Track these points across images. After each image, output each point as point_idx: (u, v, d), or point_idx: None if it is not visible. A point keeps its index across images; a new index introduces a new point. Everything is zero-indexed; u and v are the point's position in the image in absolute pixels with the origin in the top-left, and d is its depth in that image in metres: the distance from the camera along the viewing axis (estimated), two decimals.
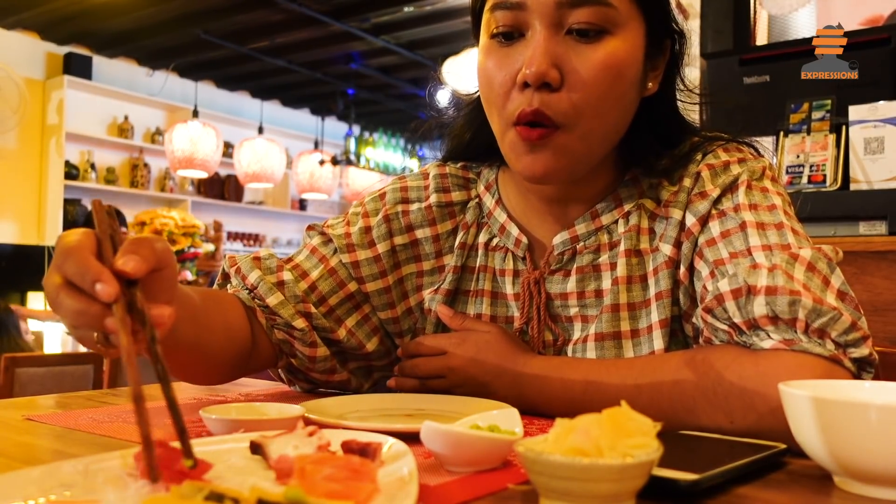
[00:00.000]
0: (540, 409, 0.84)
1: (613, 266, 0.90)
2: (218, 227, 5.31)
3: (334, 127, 8.00)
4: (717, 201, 0.86)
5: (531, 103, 0.80)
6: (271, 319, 0.93)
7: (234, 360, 0.91)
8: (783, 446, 0.64)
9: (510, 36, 0.83)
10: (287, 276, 0.94)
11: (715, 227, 0.84)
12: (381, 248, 0.97)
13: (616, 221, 0.91)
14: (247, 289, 0.94)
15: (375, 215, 0.99)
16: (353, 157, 7.38)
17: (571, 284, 0.91)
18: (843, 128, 1.93)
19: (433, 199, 0.99)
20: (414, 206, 0.99)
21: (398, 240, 0.98)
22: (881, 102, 1.88)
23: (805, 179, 1.96)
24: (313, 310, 0.93)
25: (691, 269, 0.86)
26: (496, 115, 0.86)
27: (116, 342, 0.56)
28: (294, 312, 0.92)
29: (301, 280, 0.95)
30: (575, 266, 0.92)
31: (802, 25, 2.55)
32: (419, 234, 0.99)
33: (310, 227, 1.03)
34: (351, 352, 0.97)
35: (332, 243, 0.98)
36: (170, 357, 0.87)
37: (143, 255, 0.58)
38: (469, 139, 1.02)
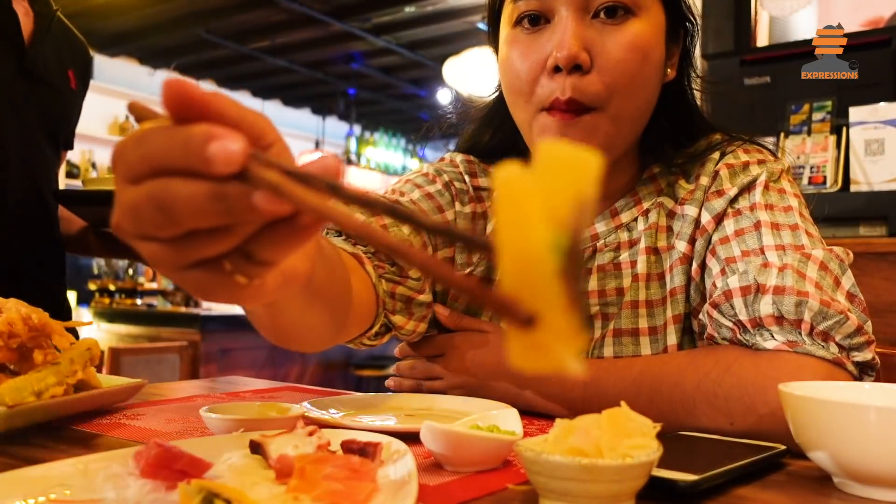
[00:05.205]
0: (539, 409, 0.84)
1: (633, 264, 0.90)
2: None
3: (335, 127, 8.00)
4: (734, 200, 0.86)
5: (564, 91, 0.80)
6: (379, 267, 0.84)
7: (353, 315, 0.73)
8: (783, 447, 0.64)
9: (536, 20, 0.83)
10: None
11: (729, 226, 0.84)
12: (449, 215, 0.96)
13: (635, 219, 0.92)
14: (338, 232, 0.85)
15: (433, 184, 0.98)
16: (353, 157, 7.39)
17: (592, 283, 0.91)
18: (844, 129, 1.93)
19: (468, 181, 0.99)
20: (457, 185, 0.99)
21: (458, 206, 0.98)
22: (882, 104, 1.88)
23: (805, 181, 1.96)
24: None
25: (703, 266, 0.86)
26: (523, 104, 0.84)
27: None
28: None
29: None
30: (595, 264, 0.91)
31: (803, 27, 2.54)
32: (467, 209, 0.98)
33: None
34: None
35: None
36: (286, 314, 0.57)
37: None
38: (488, 140, 1.01)
